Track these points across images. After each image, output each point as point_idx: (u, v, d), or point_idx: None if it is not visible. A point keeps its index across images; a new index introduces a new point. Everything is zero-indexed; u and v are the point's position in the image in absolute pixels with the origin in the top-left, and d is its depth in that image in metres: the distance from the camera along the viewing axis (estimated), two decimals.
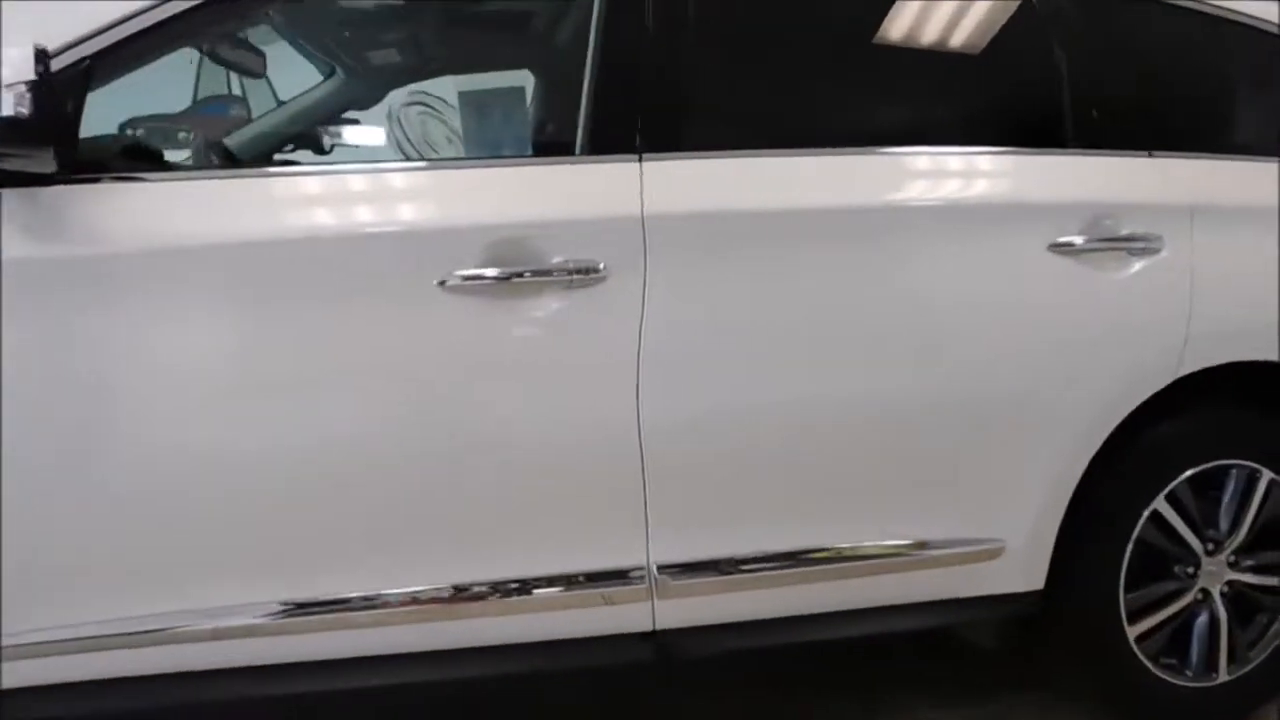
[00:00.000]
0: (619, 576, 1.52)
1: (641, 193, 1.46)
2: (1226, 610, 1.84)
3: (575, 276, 1.42)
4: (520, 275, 1.41)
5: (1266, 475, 1.81)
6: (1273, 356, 1.74)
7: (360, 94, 2.24)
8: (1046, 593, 1.74)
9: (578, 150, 1.52)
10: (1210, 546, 1.82)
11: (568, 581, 1.50)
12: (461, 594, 1.47)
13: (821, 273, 1.53)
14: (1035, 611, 1.74)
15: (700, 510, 1.55)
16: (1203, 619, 1.83)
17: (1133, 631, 1.79)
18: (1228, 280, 1.73)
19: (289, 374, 1.40)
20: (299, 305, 1.38)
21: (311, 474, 1.41)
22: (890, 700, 1.97)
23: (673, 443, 1.49)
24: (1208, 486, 1.80)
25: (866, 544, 1.62)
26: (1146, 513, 1.75)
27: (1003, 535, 1.68)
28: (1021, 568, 1.70)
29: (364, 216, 1.46)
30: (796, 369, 1.53)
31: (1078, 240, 1.63)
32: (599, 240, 1.44)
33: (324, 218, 1.45)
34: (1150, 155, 1.75)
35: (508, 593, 1.49)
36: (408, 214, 1.48)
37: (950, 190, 1.65)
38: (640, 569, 1.52)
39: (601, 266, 1.43)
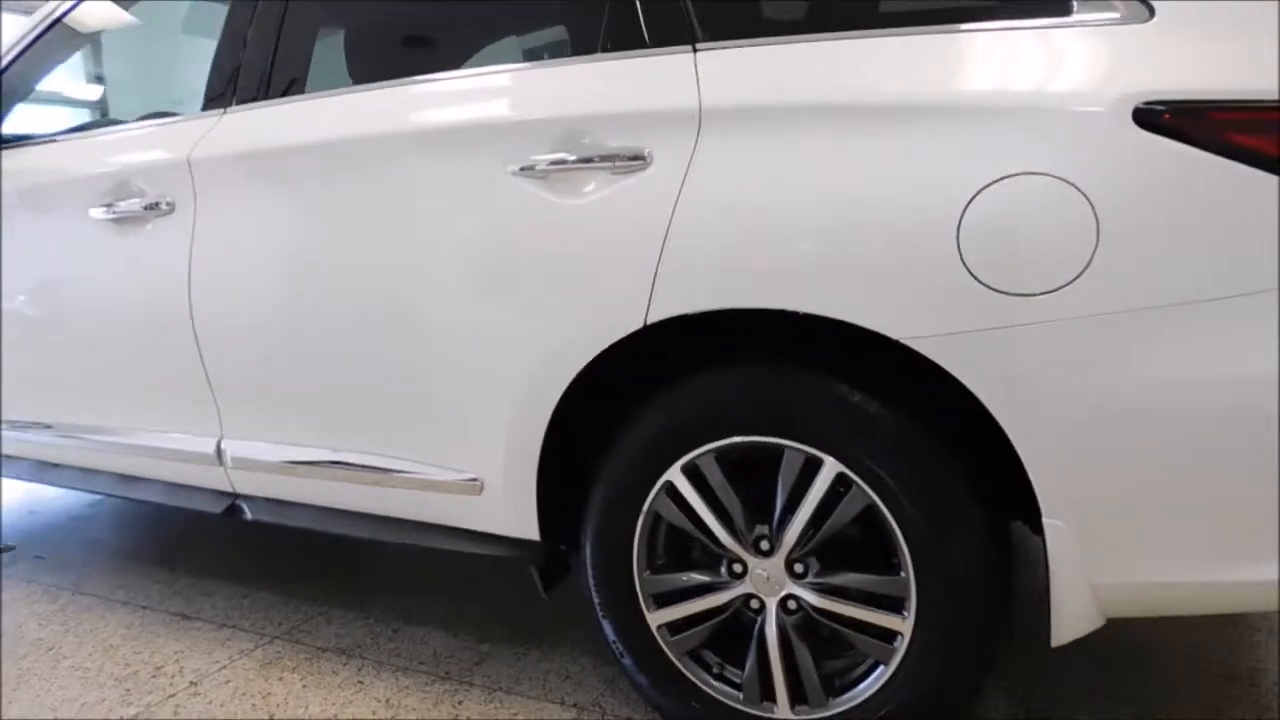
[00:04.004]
0: None
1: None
2: (781, 629, 1.45)
3: None
4: None
5: (831, 466, 1.35)
6: (792, 305, 1.29)
7: None
8: (558, 546, 1.62)
9: None
10: (766, 546, 1.44)
11: None
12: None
13: (300, 203, 1.69)
14: (544, 561, 1.62)
15: (250, 409, 1.85)
16: (768, 631, 1.46)
17: (655, 618, 1.53)
18: (725, 206, 1.33)
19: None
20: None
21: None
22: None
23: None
24: (765, 470, 1.42)
25: (362, 458, 1.73)
26: (658, 485, 1.48)
27: (479, 472, 1.61)
28: (504, 510, 1.60)
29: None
30: (288, 292, 1.72)
31: (540, 161, 1.46)
32: None
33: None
34: (694, 50, 1.41)
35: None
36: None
37: (427, 118, 1.59)
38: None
39: None
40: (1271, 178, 1.13)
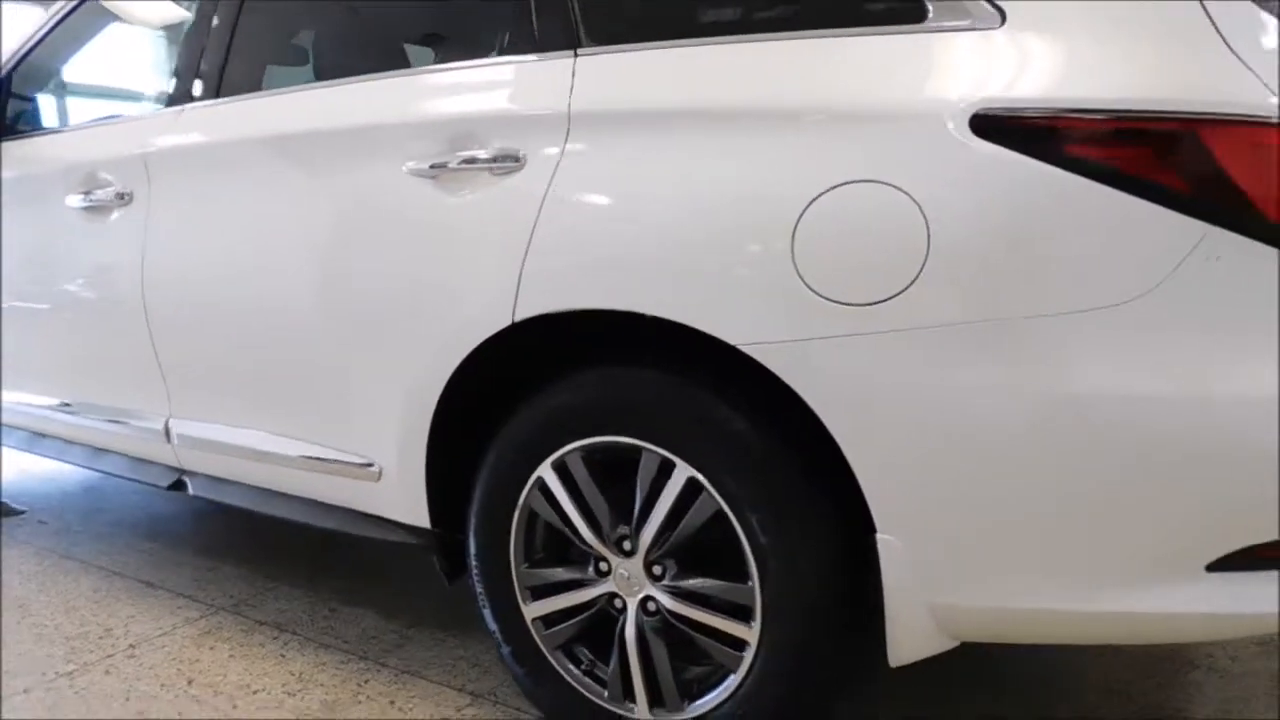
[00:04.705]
0: None
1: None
2: (640, 629, 1.46)
3: None
4: None
5: (683, 470, 1.35)
6: (639, 308, 1.30)
7: None
8: (452, 534, 1.66)
9: None
10: (628, 546, 1.45)
11: None
12: None
13: (230, 197, 1.79)
14: (440, 549, 1.66)
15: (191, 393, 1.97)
16: (626, 631, 1.47)
17: (530, 610, 1.56)
18: (583, 208, 1.35)
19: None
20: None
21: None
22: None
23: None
24: (631, 472, 1.43)
25: (282, 443, 1.81)
26: (531, 480, 1.50)
27: (378, 460, 1.67)
28: (400, 498, 1.65)
29: None
30: (221, 281, 1.81)
31: (431, 161, 1.50)
32: None
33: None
34: (575, 55, 1.43)
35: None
36: None
37: (340, 118, 1.65)
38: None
39: None
40: (1108, 190, 1.09)
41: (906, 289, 1.16)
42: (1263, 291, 1.10)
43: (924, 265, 1.15)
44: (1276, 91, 1.08)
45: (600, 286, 1.34)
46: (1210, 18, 1.13)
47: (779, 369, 1.23)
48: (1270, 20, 1.18)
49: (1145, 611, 1.16)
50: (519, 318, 1.42)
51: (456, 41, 1.72)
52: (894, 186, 1.16)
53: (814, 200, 1.20)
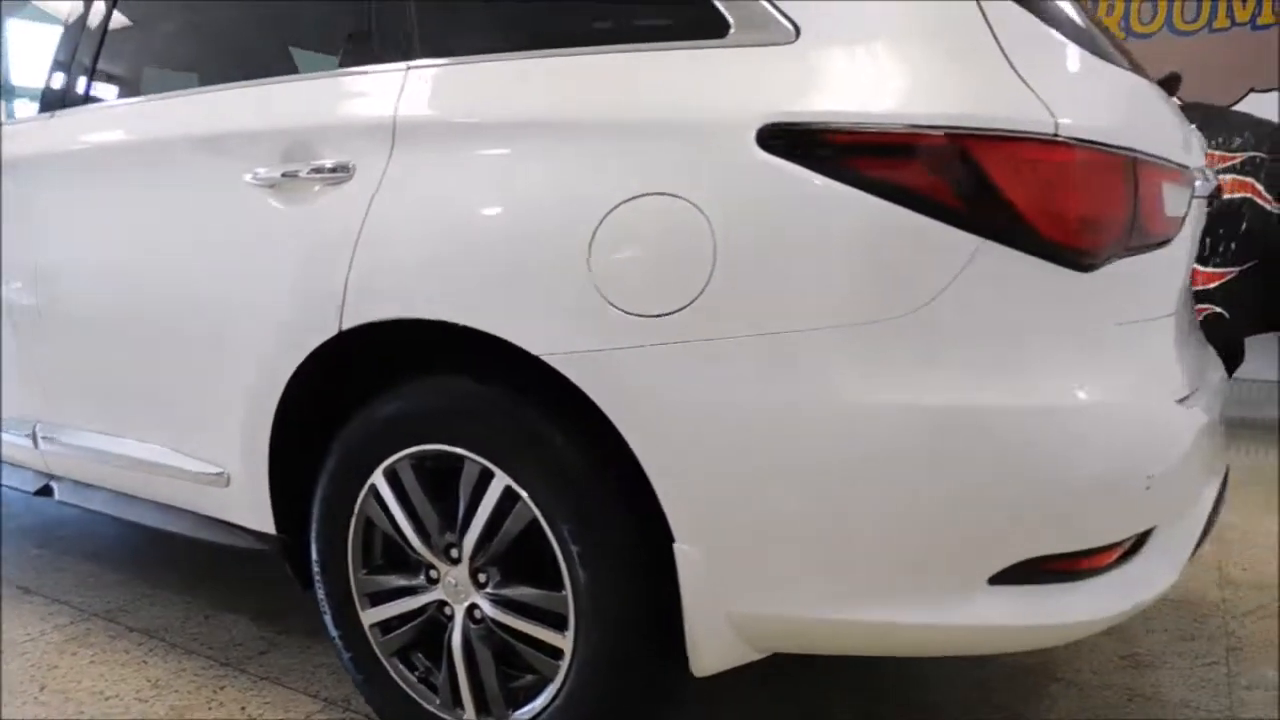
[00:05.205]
0: None
1: None
2: (466, 637, 1.46)
3: None
4: None
5: (500, 479, 1.36)
6: (448, 317, 1.31)
7: None
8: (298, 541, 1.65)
9: None
10: (455, 554, 1.45)
11: None
12: None
13: (84, 202, 1.80)
14: (282, 554, 1.65)
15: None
16: (453, 638, 1.47)
17: (368, 616, 1.55)
18: (399, 218, 1.36)
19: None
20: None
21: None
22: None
23: None
24: (457, 479, 1.43)
25: (139, 449, 1.80)
26: (366, 487, 1.50)
27: (225, 466, 1.66)
28: (248, 504, 1.65)
29: None
30: (76, 286, 1.82)
31: (271, 170, 1.51)
32: None
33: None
34: (408, 67, 1.44)
35: None
36: None
37: (194, 126, 1.66)
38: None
39: None
40: (886, 204, 1.11)
41: (694, 301, 1.17)
42: (1035, 304, 1.12)
43: (710, 278, 1.16)
44: (1051, 108, 1.10)
45: (415, 297, 1.34)
46: (995, 36, 1.15)
47: (579, 379, 1.24)
48: (1058, 37, 1.21)
49: (933, 624, 1.17)
50: (345, 327, 1.43)
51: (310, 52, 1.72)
52: (684, 199, 1.17)
53: (610, 212, 1.21)
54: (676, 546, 1.24)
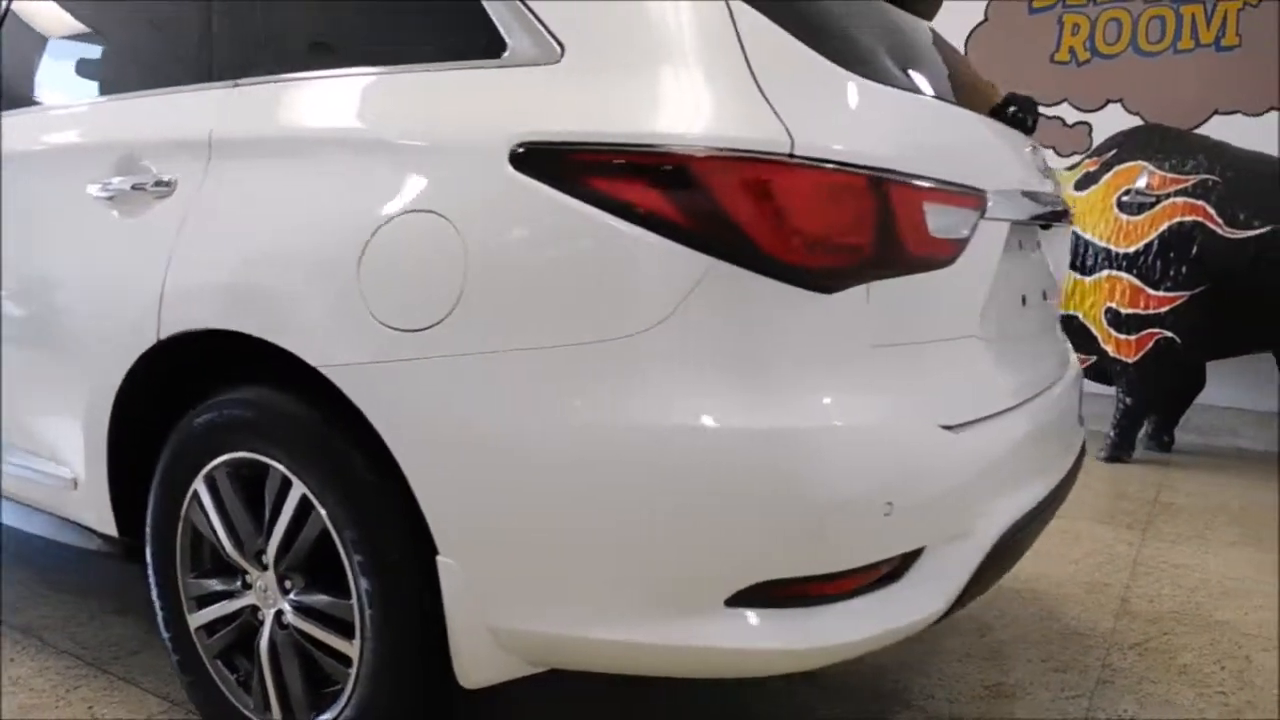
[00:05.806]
0: None
1: None
2: (272, 642, 1.48)
3: None
4: None
5: (298, 488, 1.38)
6: (235, 327, 1.35)
7: None
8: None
9: None
10: (265, 559, 1.47)
11: None
12: None
13: None
14: (127, 557, 1.69)
15: None
16: (261, 643, 1.49)
17: (194, 620, 1.58)
18: (207, 230, 1.40)
19: None
20: None
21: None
22: None
23: None
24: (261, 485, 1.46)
25: (12, 457, 1.85)
26: (189, 493, 1.53)
27: (73, 470, 1.71)
28: (92, 506, 1.69)
29: None
30: None
31: (106, 182, 1.57)
32: None
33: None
34: (235, 85, 1.48)
35: None
36: None
37: (52, 138, 1.72)
38: None
39: None
40: (622, 223, 1.12)
41: (447, 317, 1.19)
42: (775, 325, 1.12)
43: (461, 295, 1.18)
44: (790, 128, 1.11)
45: (213, 307, 1.38)
46: (746, 57, 1.16)
47: (350, 391, 1.27)
48: (820, 60, 1.21)
49: (675, 644, 1.17)
50: (163, 336, 1.47)
51: (158, 70, 1.76)
52: (443, 217, 1.20)
53: (380, 228, 1.23)
54: (439, 559, 1.26)
